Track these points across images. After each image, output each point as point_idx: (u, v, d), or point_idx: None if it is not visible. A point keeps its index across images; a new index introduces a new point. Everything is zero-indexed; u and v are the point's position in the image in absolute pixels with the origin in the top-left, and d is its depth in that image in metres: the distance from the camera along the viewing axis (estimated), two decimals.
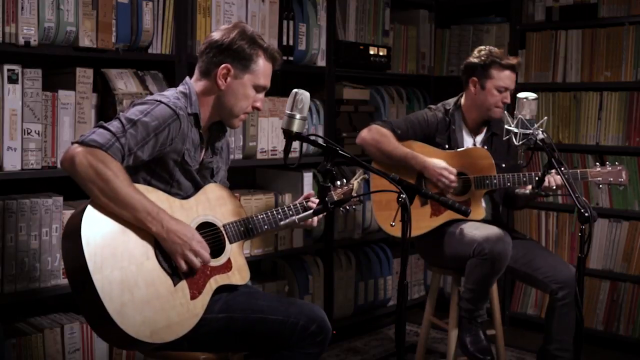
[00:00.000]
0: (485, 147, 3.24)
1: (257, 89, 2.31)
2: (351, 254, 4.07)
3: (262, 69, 2.30)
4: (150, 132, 2.10)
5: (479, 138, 3.29)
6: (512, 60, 3.18)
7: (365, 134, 3.22)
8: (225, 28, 2.32)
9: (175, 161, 2.21)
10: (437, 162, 3.11)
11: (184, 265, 2.12)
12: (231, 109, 2.30)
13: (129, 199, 2.03)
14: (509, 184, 3.10)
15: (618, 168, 3.05)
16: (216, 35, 2.29)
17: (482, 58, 3.19)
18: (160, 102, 2.16)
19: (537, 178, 2.97)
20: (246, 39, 2.27)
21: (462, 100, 3.29)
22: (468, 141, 3.27)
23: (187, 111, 2.22)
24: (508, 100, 3.19)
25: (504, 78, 3.16)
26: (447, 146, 3.23)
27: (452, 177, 3.08)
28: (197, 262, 2.13)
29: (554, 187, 2.99)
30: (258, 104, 2.32)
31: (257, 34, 2.32)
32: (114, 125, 2.08)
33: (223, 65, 2.25)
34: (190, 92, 2.27)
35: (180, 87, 2.30)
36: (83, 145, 2.02)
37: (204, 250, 2.15)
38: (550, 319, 3.04)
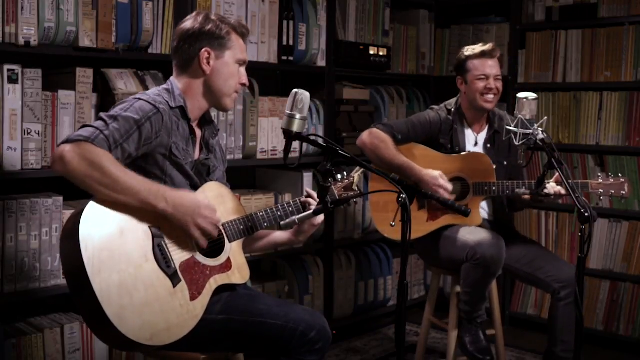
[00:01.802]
0: (488, 145, 3.24)
1: (239, 63, 2.33)
2: (351, 254, 4.07)
3: (238, 44, 2.32)
4: (132, 125, 2.10)
5: (482, 135, 3.28)
6: (484, 47, 3.23)
7: (365, 137, 3.22)
8: (189, 17, 2.33)
9: (164, 155, 2.20)
10: (434, 176, 3.08)
11: (199, 236, 2.12)
12: (221, 89, 2.30)
13: (127, 182, 2.01)
14: (507, 192, 3.09)
15: (621, 180, 2.99)
16: (184, 26, 2.31)
17: (459, 57, 3.30)
18: (140, 99, 2.17)
19: (537, 179, 2.97)
20: (213, 21, 2.29)
21: (460, 100, 3.31)
22: (471, 139, 3.26)
23: (170, 105, 2.22)
24: (493, 86, 3.18)
25: (479, 66, 3.21)
26: (449, 146, 3.22)
27: (447, 196, 3.05)
28: (211, 228, 2.14)
29: (552, 196, 2.97)
30: (244, 80, 2.34)
31: (220, 15, 2.35)
32: (96, 123, 2.09)
33: (203, 51, 2.26)
34: (172, 88, 2.28)
35: (163, 85, 2.32)
36: (68, 142, 2.01)
37: (212, 214, 2.15)
38: (554, 320, 3.03)
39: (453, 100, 3.33)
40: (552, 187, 2.95)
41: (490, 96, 3.18)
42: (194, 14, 2.35)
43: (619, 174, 3.07)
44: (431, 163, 3.15)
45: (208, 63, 2.27)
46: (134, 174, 2.06)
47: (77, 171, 1.99)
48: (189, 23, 2.30)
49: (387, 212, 3.21)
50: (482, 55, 3.21)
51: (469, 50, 3.27)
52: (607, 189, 2.99)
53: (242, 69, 2.35)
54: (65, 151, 1.99)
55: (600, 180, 3.01)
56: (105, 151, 2.02)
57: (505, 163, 3.23)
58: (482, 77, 3.19)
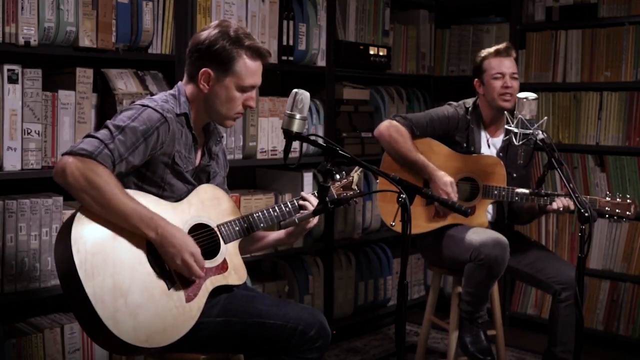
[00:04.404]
0: (501, 155, 3.23)
1: (244, 89, 2.24)
2: (351, 254, 4.07)
3: (246, 69, 2.22)
4: (139, 137, 2.09)
5: (496, 140, 3.28)
6: (499, 46, 3.23)
7: (383, 128, 3.20)
8: (208, 27, 2.26)
9: (165, 164, 2.19)
10: (445, 181, 3.06)
11: (174, 268, 2.10)
12: (218, 111, 2.26)
13: (121, 206, 2.01)
14: (516, 199, 3.08)
15: (628, 201, 2.98)
16: (199, 36, 2.25)
17: (475, 59, 3.30)
18: (148, 106, 2.14)
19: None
20: (227, 39, 2.20)
21: (479, 102, 3.30)
22: (484, 141, 3.26)
23: (175, 111, 2.21)
24: (510, 84, 3.16)
25: (495, 65, 3.19)
26: (465, 145, 3.22)
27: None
28: (186, 273, 2.11)
29: (561, 209, 2.98)
30: (250, 103, 2.27)
31: (242, 32, 2.24)
32: (101, 133, 2.07)
33: (203, 70, 2.21)
34: (179, 94, 2.26)
35: (171, 90, 2.30)
36: (72, 155, 2.01)
37: (196, 262, 2.11)
38: (555, 320, 3.03)
39: (471, 100, 3.32)
40: (561, 200, 2.95)
41: (508, 95, 3.17)
42: (215, 23, 2.27)
43: (627, 195, 3.05)
44: (445, 160, 3.15)
45: (207, 83, 2.23)
46: (132, 198, 2.06)
47: (74, 186, 2.00)
48: (203, 35, 2.24)
49: (394, 203, 3.19)
50: (497, 54, 3.21)
51: (484, 52, 3.26)
52: (614, 208, 2.98)
53: (250, 93, 2.26)
54: (68, 164, 2.00)
55: (608, 199, 3.00)
56: (107, 169, 2.02)
57: (515, 175, 3.22)
58: (498, 75, 3.18)
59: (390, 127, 3.18)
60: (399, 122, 3.19)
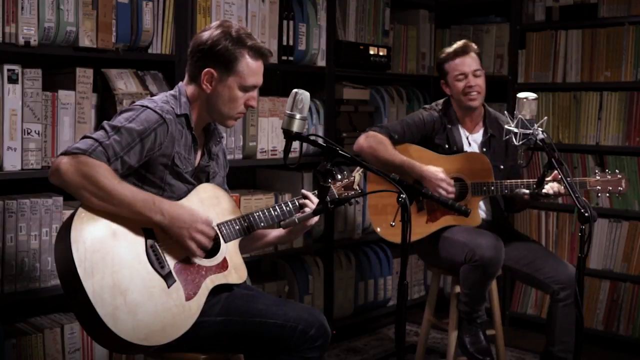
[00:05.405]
0: (484, 150, 3.23)
1: (246, 89, 2.26)
2: (351, 254, 4.07)
3: (248, 69, 2.24)
4: (135, 138, 2.09)
5: (476, 136, 3.28)
6: (456, 46, 3.22)
7: (362, 141, 3.21)
8: (210, 28, 2.27)
9: (164, 165, 2.20)
10: (435, 171, 3.07)
11: (195, 248, 2.12)
12: (220, 111, 2.27)
13: (122, 195, 2.02)
14: (506, 191, 3.08)
15: (618, 176, 2.99)
16: (200, 36, 2.26)
17: (437, 62, 3.31)
18: (147, 107, 2.15)
19: (537, 179, 2.97)
20: (229, 39, 2.22)
21: (450, 101, 3.30)
22: (464, 139, 3.26)
23: (176, 112, 2.21)
24: (473, 83, 3.16)
25: (455, 66, 3.20)
26: (447, 146, 3.22)
27: (450, 189, 3.05)
28: (206, 242, 2.14)
29: (552, 195, 2.97)
30: (251, 103, 2.28)
31: (243, 32, 2.26)
32: (97, 133, 2.08)
33: (205, 70, 2.23)
34: (180, 95, 2.26)
35: (171, 91, 2.30)
36: (66, 155, 2.02)
37: (209, 228, 2.15)
38: (553, 320, 3.03)
39: (442, 101, 3.32)
40: (551, 186, 2.95)
41: (474, 94, 3.17)
42: (216, 23, 2.28)
43: (616, 170, 3.06)
44: (429, 163, 3.14)
45: (210, 84, 2.24)
46: (130, 185, 2.07)
47: (71, 183, 2.01)
48: (205, 35, 2.25)
49: (385, 215, 3.20)
50: (456, 54, 3.21)
51: (444, 53, 3.26)
52: (605, 185, 3.00)
53: (251, 93, 2.28)
54: (62, 163, 2.01)
55: (598, 177, 3.01)
56: (102, 163, 2.02)
57: (502, 167, 3.22)
58: (460, 76, 3.18)
59: (368, 138, 3.19)
60: (375, 131, 3.20)
